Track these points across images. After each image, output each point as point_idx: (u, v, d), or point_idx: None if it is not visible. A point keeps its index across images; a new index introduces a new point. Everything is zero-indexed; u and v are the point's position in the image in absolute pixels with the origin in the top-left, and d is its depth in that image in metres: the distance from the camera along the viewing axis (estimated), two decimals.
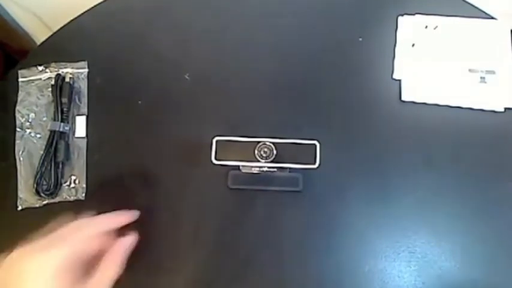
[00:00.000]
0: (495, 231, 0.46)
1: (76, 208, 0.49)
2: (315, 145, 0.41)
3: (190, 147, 0.50)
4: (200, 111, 0.52)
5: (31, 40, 0.88)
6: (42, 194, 0.49)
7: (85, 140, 0.52)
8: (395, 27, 0.56)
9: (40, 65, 0.55)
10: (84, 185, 0.50)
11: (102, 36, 0.58)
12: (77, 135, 0.52)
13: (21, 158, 0.51)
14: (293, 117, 0.51)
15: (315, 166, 0.41)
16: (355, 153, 0.49)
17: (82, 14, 0.59)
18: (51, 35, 0.58)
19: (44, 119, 0.53)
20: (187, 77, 0.54)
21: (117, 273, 0.37)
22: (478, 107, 0.51)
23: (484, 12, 0.56)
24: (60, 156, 0.50)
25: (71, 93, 0.53)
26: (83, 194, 0.50)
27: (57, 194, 0.50)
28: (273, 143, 0.41)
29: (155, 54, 0.56)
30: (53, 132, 0.51)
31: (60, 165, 0.50)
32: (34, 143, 0.52)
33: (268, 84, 0.54)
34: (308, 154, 0.41)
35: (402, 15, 0.56)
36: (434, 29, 0.55)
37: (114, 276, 0.37)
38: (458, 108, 0.51)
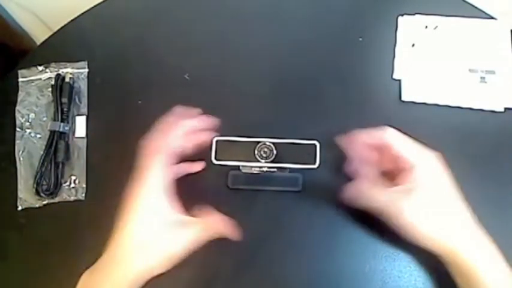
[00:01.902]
0: (495, 231, 0.46)
1: (76, 208, 0.49)
2: (315, 145, 0.41)
3: None
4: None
5: (31, 40, 0.88)
6: (42, 194, 0.49)
7: (85, 140, 0.52)
8: (395, 27, 0.56)
9: (40, 65, 0.55)
10: (84, 185, 0.50)
11: (102, 37, 0.58)
12: (77, 135, 0.52)
13: (21, 158, 0.51)
14: (293, 118, 0.51)
15: (315, 166, 0.41)
16: None
17: (82, 14, 0.59)
18: (51, 35, 0.58)
19: (44, 119, 0.53)
20: (187, 77, 0.54)
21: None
22: (478, 107, 0.51)
23: (484, 12, 0.56)
24: (60, 156, 0.50)
25: (71, 93, 0.53)
26: (83, 194, 0.50)
27: (57, 194, 0.50)
28: (273, 143, 0.41)
29: (155, 54, 0.56)
30: (53, 132, 0.51)
31: (60, 165, 0.50)
32: (34, 143, 0.52)
33: (268, 84, 0.54)
34: (308, 154, 0.41)
35: (402, 15, 0.56)
36: (434, 29, 0.55)
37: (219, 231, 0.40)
38: (458, 108, 0.51)
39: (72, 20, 0.58)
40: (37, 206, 0.49)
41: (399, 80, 0.53)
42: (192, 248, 0.39)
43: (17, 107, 0.53)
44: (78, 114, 0.53)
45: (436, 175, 0.40)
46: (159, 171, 0.39)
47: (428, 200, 0.39)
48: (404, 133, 0.49)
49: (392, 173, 0.43)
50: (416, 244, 0.40)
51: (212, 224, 0.40)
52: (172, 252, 0.38)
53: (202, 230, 0.39)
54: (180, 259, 0.38)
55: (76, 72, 0.55)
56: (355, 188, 0.42)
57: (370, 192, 0.41)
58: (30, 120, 0.53)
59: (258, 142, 0.41)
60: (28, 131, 0.52)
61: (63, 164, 0.50)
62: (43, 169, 0.49)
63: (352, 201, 0.42)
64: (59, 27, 0.58)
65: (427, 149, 0.41)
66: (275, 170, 0.44)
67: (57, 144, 0.50)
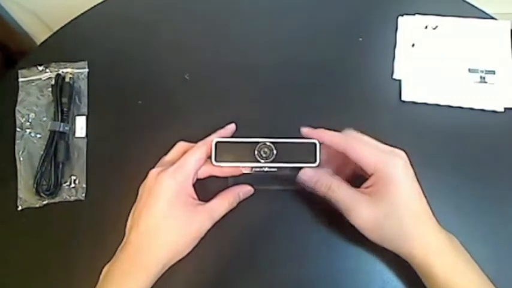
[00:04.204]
0: (496, 230, 0.46)
1: (76, 208, 0.49)
2: (314, 143, 0.41)
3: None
4: (200, 111, 0.52)
5: (31, 40, 0.89)
6: (42, 194, 0.49)
7: (85, 140, 0.52)
8: (395, 27, 0.56)
9: (40, 65, 0.55)
10: (84, 185, 0.50)
11: (102, 36, 0.58)
12: (77, 135, 0.52)
13: (21, 158, 0.51)
14: (293, 117, 0.51)
15: (315, 165, 0.41)
16: None
17: (82, 14, 0.59)
18: (51, 35, 0.58)
19: (44, 119, 0.53)
20: (187, 77, 0.54)
21: (229, 207, 0.43)
22: (478, 107, 0.51)
23: (484, 12, 0.56)
24: (60, 156, 0.50)
25: (71, 93, 0.53)
26: (83, 194, 0.50)
27: (57, 194, 0.49)
28: (273, 143, 0.41)
29: (155, 54, 0.56)
30: (53, 132, 0.51)
31: (60, 165, 0.50)
32: (34, 143, 0.52)
33: (268, 84, 0.54)
34: (308, 153, 0.41)
35: (402, 15, 0.56)
36: (434, 29, 0.55)
37: (227, 210, 0.43)
38: (458, 108, 0.51)
39: (72, 20, 0.58)
40: (37, 206, 0.49)
41: (399, 80, 0.53)
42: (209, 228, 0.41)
43: (17, 107, 0.53)
44: (78, 114, 0.53)
45: (398, 179, 0.38)
46: (195, 159, 0.41)
47: (385, 206, 0.38)
48: (404, 133, 0.49)
49: (358, 174, 0.43)
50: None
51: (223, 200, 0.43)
52: (195, 234, 0.40)
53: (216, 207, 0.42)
54: (198, 239, 0.41)
55: (76, 72, 0.55)
56: (315, 173, 0.42)
57: (329, 184, 0.41)
58: (30, 120, 0.53)
59: (258, 142, 0.41)
60: (28, 131, 0.52)
61: (63, 164, 0.50)
62: (43, 169, 0.49)
63: (307, 185, 0.42)
64: (59, 27, 0.58)
65: (391, 152, 0.40)
66: (275, 169, 0.44)
67: (57, 144, 0.50)
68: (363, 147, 0.40)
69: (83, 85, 0.54)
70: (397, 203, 0.38)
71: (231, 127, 0.46)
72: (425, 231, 0.38)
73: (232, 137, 0.43)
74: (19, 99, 0.53)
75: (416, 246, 0.38)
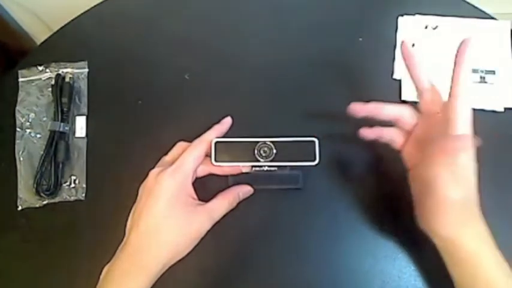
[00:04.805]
0: (495, 230, 0.46)
1: (76, 208, 0.49)
2: (314, 142, 0.41)
3: None
4: (200, 111, 0.52)
5: (31, 40, 0.89)
6: (42, 194, 0.49)
7: (85, 140, 0.52)
8: (395, 27, 0.56)
9: (40, 65, 0.55)
10: (84, 185, 0.50)
11: (102, 36, 0.58)
12: (77, 135, 0.52)
13: (21, 158, 0.51)
14: (293, 117, 0.51)
15: (315, 163, 0.41)
16: (355, 151, 0.49)
17: (82, 14, 0.59)
18: (51, 35, 0.58)
19: (44, 119, 0.53)
20: (187, 77, 0.54)
21: (229, 208, 0.43)
22: (478, 107, 0.51)
23: (484, 12, 0.56)
24: (60, 156, 0.50)
25: (71, 93, 0.53)
26: (83, 194, 0.50)
27: (57, 194, 0.50)
28: (272, 142, 0.41)
29: (155, 54, 0.56)
30: (53, 132, 0.51)
31: (60, 165, 0.50)
32: (34, 143, 0.52)
33: (268, 84, 0.54)
34: (308, 151, 0.41)
35: (402, 15, 0.56)
36: (434, 29, 0.55)
37: (227, 210, 0.43)
38: None
39: (72, 20, 0.58)
40: (37, 206, 0.49)
41: (399, 80, 0.53)
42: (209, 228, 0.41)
43: (17, 107, 0.53)
44: (78, 114, 0.53)
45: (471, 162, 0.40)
46: (193, 158, 0.41)
47: (456, 188, 0.38)
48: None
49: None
50: (420, 226, 0.40)
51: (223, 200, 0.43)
52: (195, 235, 0.40)
53: (216, 208, 0.42)
54: (198, 240, 0.40)
55: (76, 72, 0.55)
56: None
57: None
58: (30, 120, 0.53)
59: (258, 142, 0.41)
60: (28, 131, 0.52)
61: (63, 164, 0.50)
62: (43, 169, 0.49)
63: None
64: (59, 27, 0.58)
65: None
66: (275, 168, 0.44)
67: (57, 144, 0.50)
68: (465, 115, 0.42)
69: (83, 85, 0.54)
70: (461, 189, 0.38)
71: (227, 121, 0.45)
72: (474, 221, 0.39)
73: (231, 136, 0.43)
74: (19, 99, 0.53)
75: (460, 235, 0.38)
